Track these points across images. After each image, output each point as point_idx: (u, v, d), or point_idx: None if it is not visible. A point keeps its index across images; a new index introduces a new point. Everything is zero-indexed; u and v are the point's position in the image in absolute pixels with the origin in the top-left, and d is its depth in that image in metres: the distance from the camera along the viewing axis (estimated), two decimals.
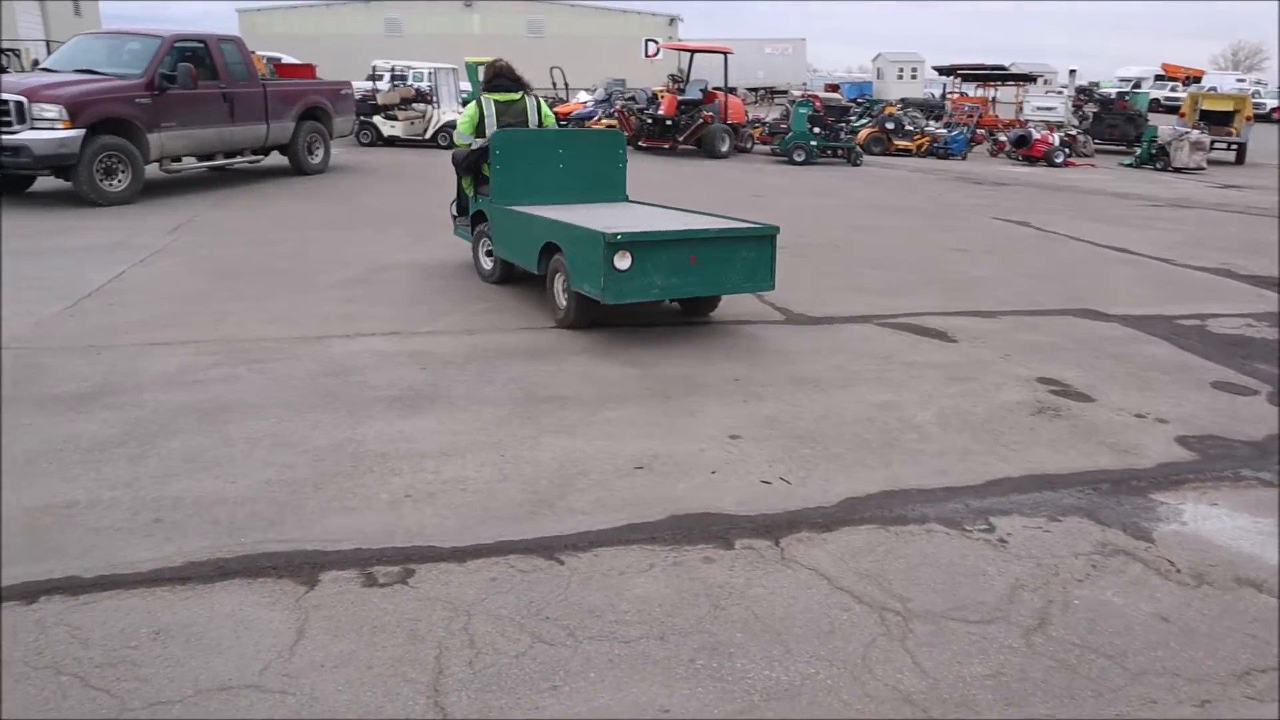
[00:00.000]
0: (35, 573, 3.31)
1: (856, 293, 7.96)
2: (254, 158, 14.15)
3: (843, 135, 21.86)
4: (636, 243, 5.84)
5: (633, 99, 23.59)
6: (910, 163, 22.19)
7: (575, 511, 3.84)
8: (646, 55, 39.51)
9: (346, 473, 4.11)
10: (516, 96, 8.00)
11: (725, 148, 20.39)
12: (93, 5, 47.61)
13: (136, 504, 3.79)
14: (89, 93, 11.38)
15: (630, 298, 5.94)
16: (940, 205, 14.69)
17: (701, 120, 20.29)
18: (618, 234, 5.78)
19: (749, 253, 6.31)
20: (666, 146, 20.67)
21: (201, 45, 13.09)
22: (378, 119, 20.81)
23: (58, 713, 2.62)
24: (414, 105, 21.54)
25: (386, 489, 3.97)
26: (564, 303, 6.50)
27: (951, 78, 34.10)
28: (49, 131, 10.78)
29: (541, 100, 8.27)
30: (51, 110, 10.84)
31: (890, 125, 24.22)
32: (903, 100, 34.28)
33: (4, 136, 10.77)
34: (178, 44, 12.61)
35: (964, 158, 23.81)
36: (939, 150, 23.95)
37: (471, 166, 7.85)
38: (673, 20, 55.22)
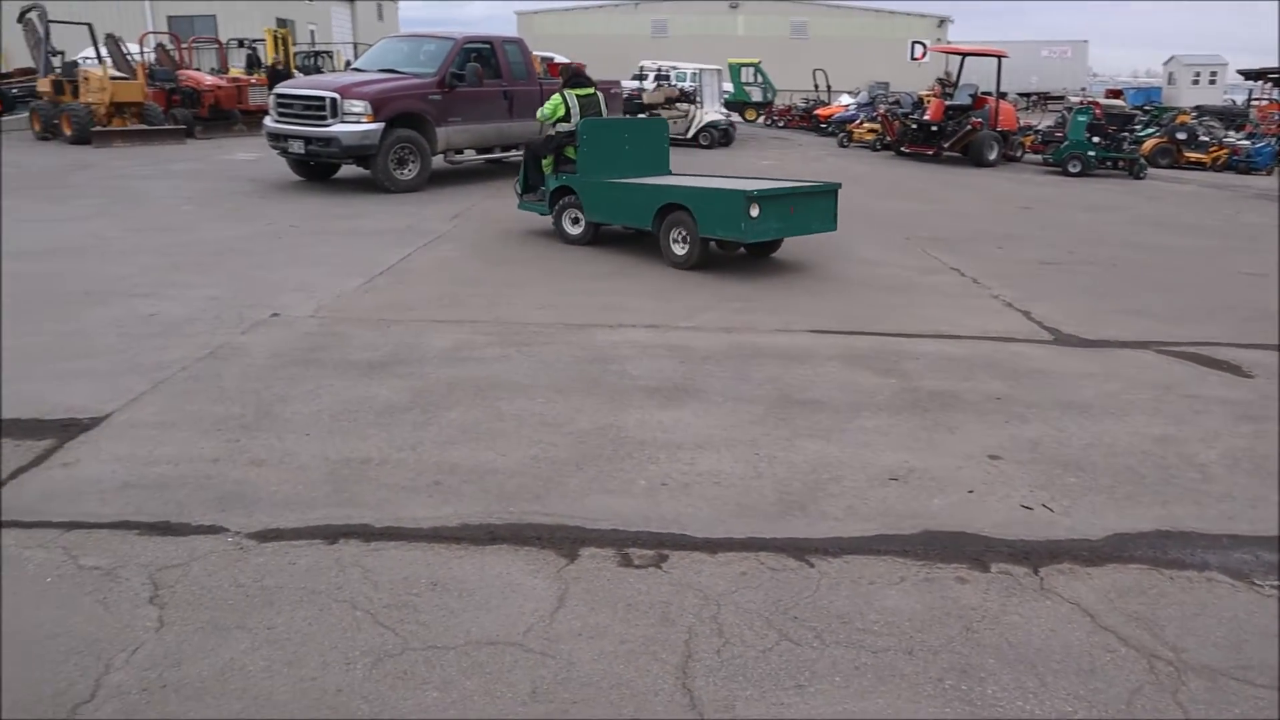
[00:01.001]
0: (334, 517, 3.71)
1: (1134, 316, 7.40)
2: None
3: (1125, 145, 20.30)
4: (764, 197, 7.82)
5: (897, 103, 23.01)
6: (1203, 177, 20.27)
7: (827, 516, 3.83)
8: (913, 58, 38.46)
9: (607, 456, 4.30)
10: (590, 91, 9.71)
11: (993, 156, 19.49)
12: (392, 8, 52.05)
13: (420, 466, 4.16)
14: (389, 90, 12.49)
15: (760, 237, 8.10)
16: (1236, 225, 13.35)
17: (969, 126, 19.48)
18: (753, 191, 7.77)
19: (823, 203, 8.46)
20: (930, 153, 20.02)
21: (488, 46, 14.03)
22: (642, 118, 21.43)
23: (350, 645, 2.93)
24: (677, 105, 22.04)
25: (644, 475, 4.12)
26: (682, 250, 8.31)
27: (1260, 83, 30.80)
28: (355, 125, 11.94)
29: (600, 95, 9.95)
30: (358, 106, 11.99)
31: (1181, 135, 22.21)
32: (1198, 108, 31.33)
33: (318, 129, 12.03)
34: (467, 45, 13.59)
35: (1269, 173, 21.46)
36: (1239, 164, 21.68)
37: (556, 149, 9.29)
38: (942, 22, 53.26)
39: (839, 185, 8.62)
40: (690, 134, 21.63)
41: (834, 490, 4.07)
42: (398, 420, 4.66)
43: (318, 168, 13.40)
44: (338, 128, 11.94)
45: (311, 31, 37.56)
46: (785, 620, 3.11)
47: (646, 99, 21.83)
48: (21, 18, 20.82)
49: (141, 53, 22.56)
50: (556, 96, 9.54)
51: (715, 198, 8.01)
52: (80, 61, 21.12)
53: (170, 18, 33.67)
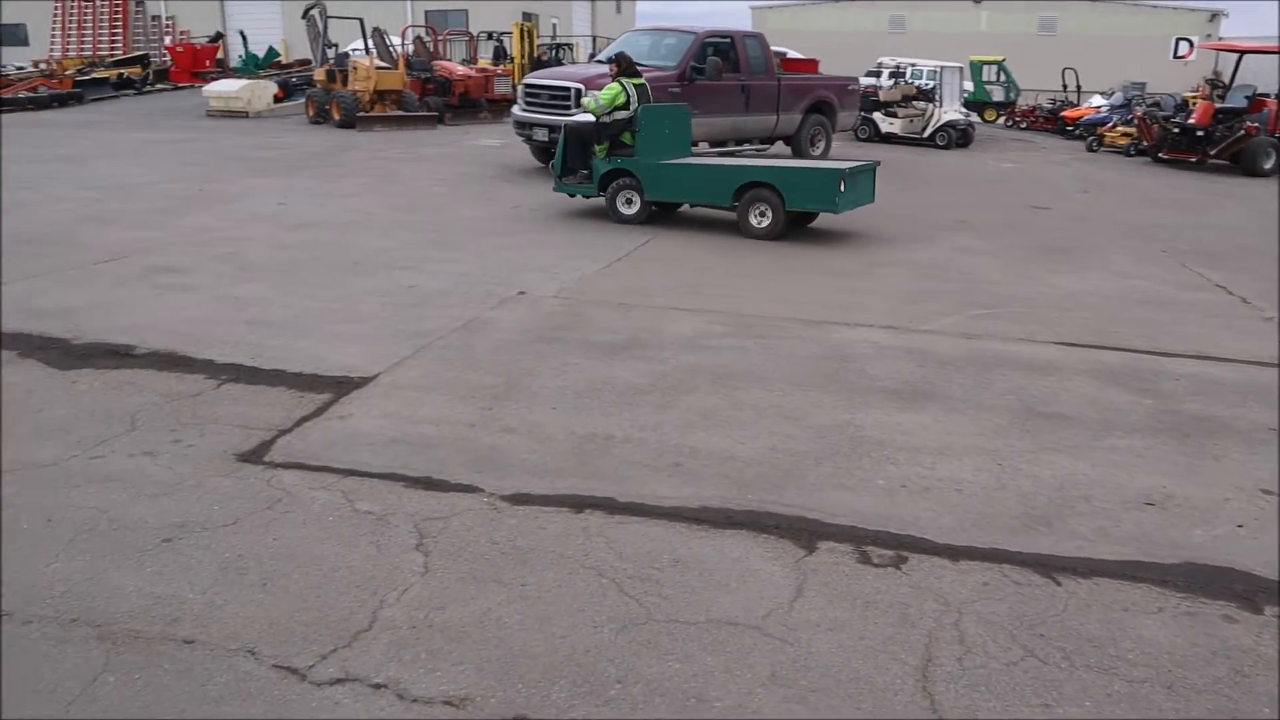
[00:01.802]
0: (580, 488, 3.89)
1: None
2: (760, 146, 15.02)
3: None
4: (849, 174, 9.11)
5: (1156, 105, 21.35)
6: None
7: (1075, 535, 3.66)
8: (1176, 56, 35.49)
9: (844, 453, 4.28)
10: (641, 81, 10.27)
11: (1269, 165, 17.74)
12: (630, 4, 53.34)
13: (661, 446, 4.29)
14: None
15: (844, 209, 9.24)
16: None
17: (1243, 131, 17.82)
18: (843, 169, 9.17)
19: (866, 180, 9.69)
20: (1193, 160, 18.47)
21: (728, 40, 14.14)
22: (877, 115, 20.98)
23: (597, 609, 3.08)
24: (914, 103, 21.41)
25: (883, 475, 4.08)
26: (764, 223, 9.32)
27: None
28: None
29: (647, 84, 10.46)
30: None
31: None
32: None
33: (561, 118, 12.53)
34: (708, 39, 13.74)
35: None
36: None
37: (613, 135, 9.86)
38: (1214, 16, 48.85)
39: (877, 163, 10.04)
40: (926, 134, 20.97)
41: (1083, 509, 3.88)
42: (639, 401, 4.82)
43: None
44: (580, 117, 12.38)
45: (553, 25, 39.08)
46: (1031, 636, 3.01)
47: (883, 96, 21.32)
48: (305, 14, 22.83)
49: (402, 44, 24.20)
50: (615, 85, 10.03)
51: (805, 175, 9.37)
52: (350, 53, 22.95)
53: (427, 12, 35.89)
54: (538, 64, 23.78)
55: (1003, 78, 30.98)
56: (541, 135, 12.95)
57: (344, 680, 2.75)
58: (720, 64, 13.39)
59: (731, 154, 15.22)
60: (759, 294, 7.05)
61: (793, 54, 24.41)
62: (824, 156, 16.01)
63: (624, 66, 10.37)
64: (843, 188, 8.98)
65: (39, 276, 7.27)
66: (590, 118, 10.25)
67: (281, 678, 2.77)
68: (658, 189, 9.89)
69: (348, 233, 9.22)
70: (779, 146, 15.37)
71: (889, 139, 21.13)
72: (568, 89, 12.56)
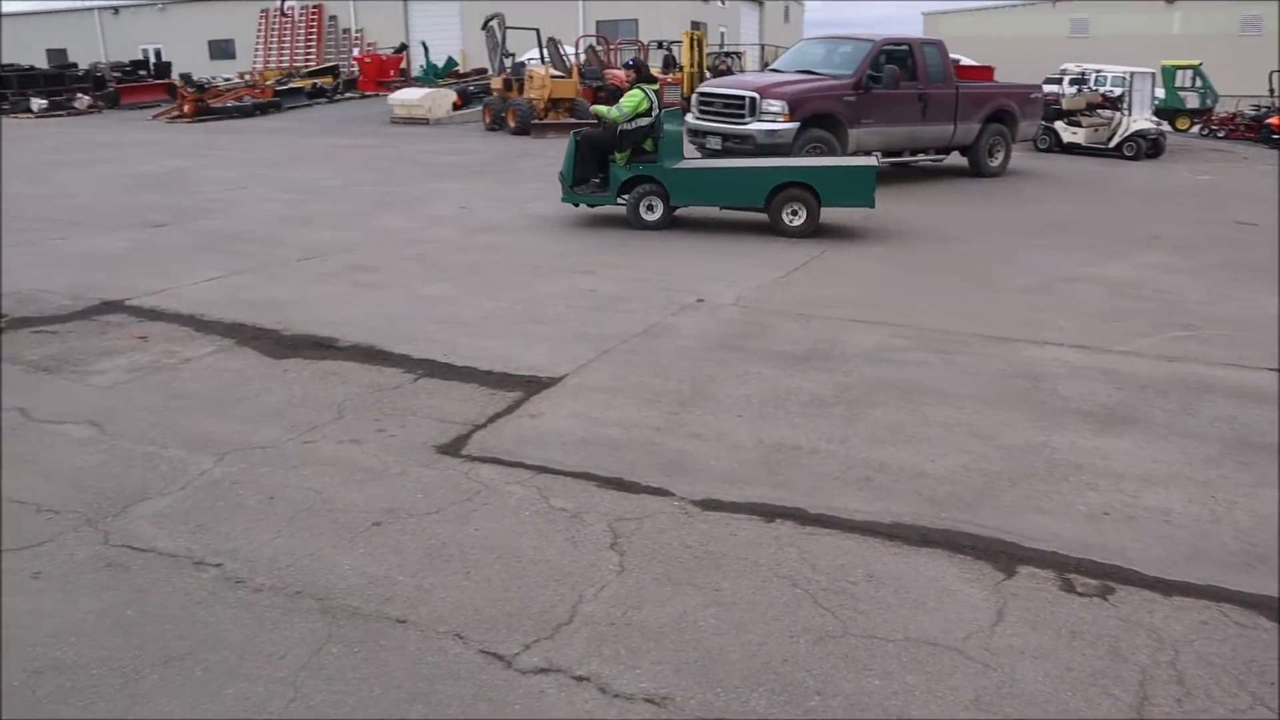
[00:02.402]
0: (770, 497, 3.90)
1: None
2: (936, 156, 14.64)
3: None
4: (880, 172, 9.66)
5: None
6: None
7: None
8: None
9: (1040, 475, 4.13)
10: (656, 87, 10.25)
11: None
12: (799, 9, 52.92)
13: (849, 459, 4.25)
14: (806, 90, 12.74)
15: (873, 205, 9.79)
16: None
17: None
18: (875, 166, 9.84)
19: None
20: None
21: (906, 48, 13.84)
22: (1059, 124, 20.09)
23: (793, 619, 3.08)
24: (1099, 111, 20.38)
25: (1083, 501, 3.91)
26: (799, 221, 9.67)
27: None
28: (771, 123, 12.31)
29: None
30: (776, 105, 12.35)
31: None
32: None
33: (736, 126, 12.58)
34: (886, 47, 13.51)
35: None
36: None
37: (635, 141, 9.79)
38: None
39: (876, 164, 10.23)
40: (1112, 144, 19.92)
41: None
42: (824, 413, 4.79)
43: None
44: (754, 126, 12.39)
45: (721, 33, 39.18)
46: (1260, 684, 2.82)
47: (1066, 104, 20.40)
48: (485, 25, 23.73)
49: (575, 54, 24.82)
50: (638, 92, 9.83)
51: (841, 173, 9.86)
52: (526, 62, 23.71)
53: (599, 22, 36.67)
54: (718, 72, 23.95)
55: (1198, 83, 29.11)
56: (714, 144, 13.02)
57: (547, 670, 2.85)
58: (898, 72, 13.14)
59: (904, 165, 14.89)
60: (940, 309, 6.87)
61: (966, 61, 23.68)
62: (1003, 168, 15.48)
63: (642, 73, 10.36)
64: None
65: (250, 272, 7.84)
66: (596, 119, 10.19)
67: (488, 663, 2.89)
68: (684, 193, 9.98)
69: (526, 236, 9.53)
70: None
71: (1071, 149, 20.19)
72: (742, 98, 12.58)
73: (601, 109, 10.35)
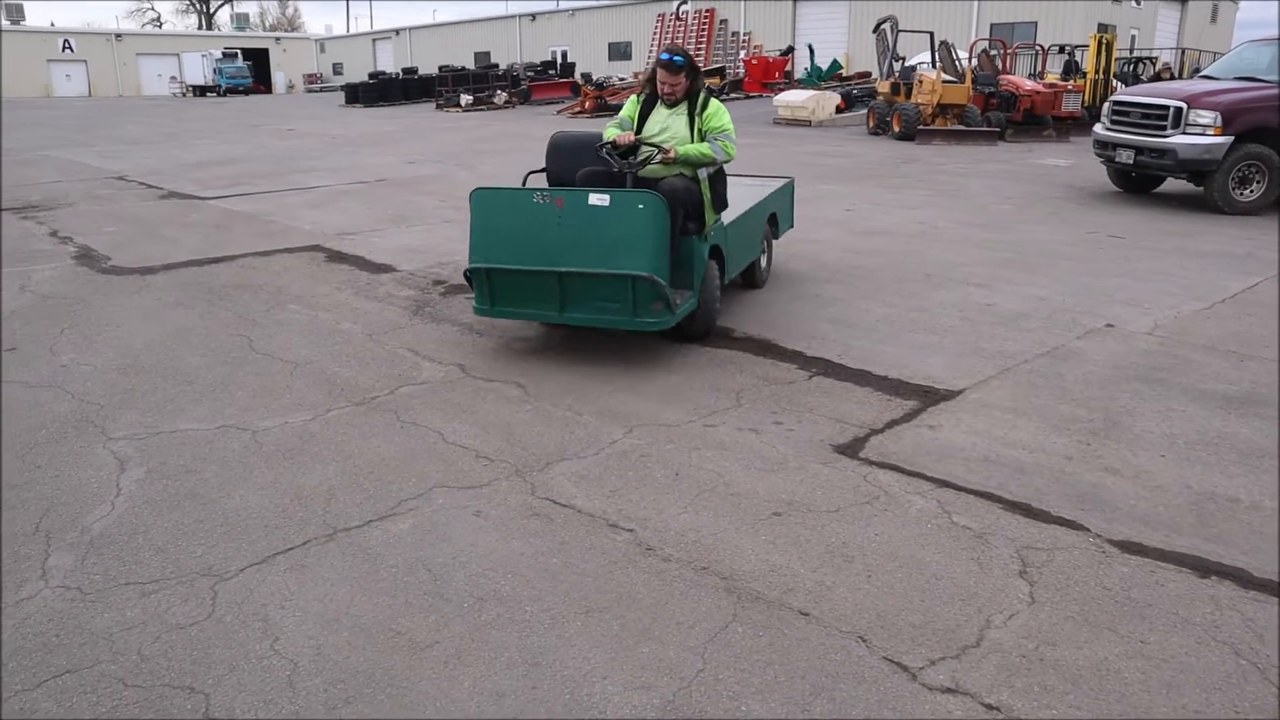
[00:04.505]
0: (1203, 550, 3.53)
1: None
2: None
3: None
4: None
5: None
6: None
7: None
8: None
9: None
10: None
11: None
12: (1230, 8, 47.06)
13: None
14: (1246, 100, 11.30)
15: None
16: None
17: None
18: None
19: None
20: None
21: None
22: None
23: (1237, 693, 2.76)
24: None
25: None
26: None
27: None
28: (1199, 137, 11.08)
29: None
30: (1207, 117, 11.09)
31: None
32: None
33: (1154, 139, 11.45)
34: None
35: None
36: None
37: (721, 193, 6.66)
38: None
39: (791, 179, 8.77)
40: None
41: None
42: (1266, 465, 4.25)
43: (1139, 180, 12.80)
44: (1177, 139, 11.21)
45: (1133, 36, 35.86)
46: None
47: None
48: (876, 28, 23.46)
49: (968, 59, 23.86)
50: (725, 111, 6.00)
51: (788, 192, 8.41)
52: (916, 66, 23.15)
53: (993, 25, 34.94)
54: (1134, 79, 22.04)
55: None
56: (1125, 157, 11.97)
57: (954, 691, 2.78)
58: None
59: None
60: None
61: None
62: None
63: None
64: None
65: None
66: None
67: (893, 671, 2.87)
68: (734, 261, 6.56)
69: (916, 243, 9.32)
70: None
71: None
72: (1165, 107, 11.41)
73: (697, 147, 5.76)
